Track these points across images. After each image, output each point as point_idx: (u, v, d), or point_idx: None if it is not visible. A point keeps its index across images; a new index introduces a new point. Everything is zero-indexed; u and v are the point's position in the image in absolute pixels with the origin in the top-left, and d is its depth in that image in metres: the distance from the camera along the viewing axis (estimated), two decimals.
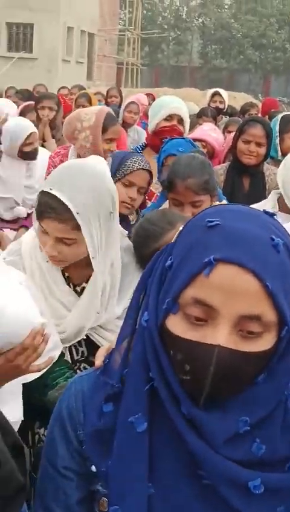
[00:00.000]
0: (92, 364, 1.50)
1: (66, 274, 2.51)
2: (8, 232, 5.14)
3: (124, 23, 46.36)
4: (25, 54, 31.42)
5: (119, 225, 2.65)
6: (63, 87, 13.07)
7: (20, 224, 5.21)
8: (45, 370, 2.20)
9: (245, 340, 1.14)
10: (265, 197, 4.15)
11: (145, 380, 1.23)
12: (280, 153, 5.43)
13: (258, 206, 3.45)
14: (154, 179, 3.75)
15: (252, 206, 1.52)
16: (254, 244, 1.14)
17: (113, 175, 3.29)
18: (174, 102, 4.72)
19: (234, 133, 5.27)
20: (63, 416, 1.38)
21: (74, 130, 4.35)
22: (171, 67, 60.95)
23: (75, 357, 2.55)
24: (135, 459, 1.23)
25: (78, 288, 2.51)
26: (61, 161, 4.53)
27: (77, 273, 2.51)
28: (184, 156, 3.29)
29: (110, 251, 2.42)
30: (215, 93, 9.45)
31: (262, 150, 4.83)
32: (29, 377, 2.18)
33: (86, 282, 2.48)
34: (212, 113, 8.27)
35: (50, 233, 2.34)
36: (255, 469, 1.18)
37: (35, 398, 2.35)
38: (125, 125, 8.88)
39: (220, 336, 1.13)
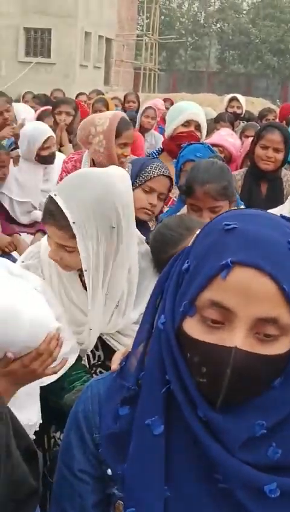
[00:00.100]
0: (108, 368, 1.51)
1: (84, 279, 2.51)
2: (25, 236, 5.16)
3: (142, 28, 46.51)
4: (43, 59, 31.54)
5: (137, 230, 2.66)
6: (81, 93, 13.10)
7: (37, 228, 5.22)
8: (61, 373, 2.20)
9: (262, 343, 1.14)
10: (283, 203, 4.14)
11: (162, 382, 1.23)
12: None
13: (275, 211, 3.44)
14: None
15: (269, 211, 1.52)
16: (270, 247, 1.14)
17: (133, 181, 3.30)
18: (192, 108, 4.71)
19: (250, 137, 5.26)
20: (79, 420, 1.38)
21: (88, 135, 4.35)
22: (189, 73, 61.00)
23: (92, 362, 2.55)
24: (151, 462, 1.23)
25: None
26: (74, 166, 4.55)
27: None
28: (203, 161, 3.29)
29: (110, 266, 2.38)
30: (233, 99, 9.44)
31: (280, 156, 4.83)
32: (46, 380, 2.19)
33: None
34: (230, 118, 8.25)
35: (52, 239, 2.37)
36: (271, 473, 1.18)
37: (52, 401, 2.36)
38: (143, 130, 8.90)
39: (237, 338, 1.13)
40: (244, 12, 65.38)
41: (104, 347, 2.53)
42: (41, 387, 2.21)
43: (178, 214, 3.36)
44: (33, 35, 32.37)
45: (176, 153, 4.35)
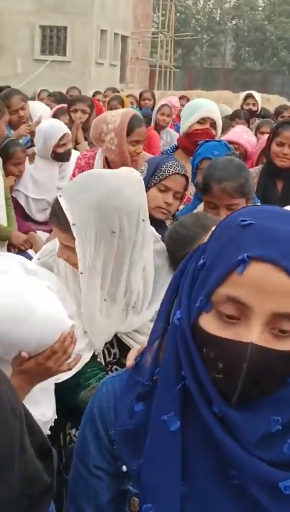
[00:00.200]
0: (124, 366, 1.51)
1: None
2: (41, 234, 5.18)
3: (157, 25, 46.48)
4: (58, 57, 31.59)
5: (153, 228, 2.65)
6: (97, 92, 13.10)
7: None
8: (76, 370, 2.21)
9: (277, 339, 1.14)
10: None
11: (177, 378, 1.24)
12: None
13: None
14: None
15: (285, 207, 1.52)
16: (286, 242, 1.14)
17: (149, 180, 3.29)
18: (208, 105, 4.70)
19: (265, 134, 5.24)
20: (94, 416, 1.39)
21: (100, 132, 4.36)
22: (205, 70, 60.89)
23: (107, 359, 2.55)
24: (167, 458, 1.24)
25: None
26: (87, 163, 4.55)
27: None
28: (221, 158, 3.28)
29: (109, 270, 2.36)
30: (249, 96, 9.41)
31: None
32: (62, 377, 2.20)
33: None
34: (245, 115, 8.23)
35: (57, 238, 2.37)
36: (286, 469, 1.18)
37: (67, 398, 2.36)
38: (158, 127, 8.90)
39: (253, 333, 1.13)
40: (260, 9, 65.19)
41: (119, 344, 2.53)
42: (56, 384, 2.21)
43: (194, 212, 3.36)
44: (49, 33, 32.44)
45: (191, 151, 4.34)
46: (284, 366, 1.15)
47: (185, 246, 2.47)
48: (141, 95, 11.39)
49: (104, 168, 4.43)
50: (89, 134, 6.28)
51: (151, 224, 2.70)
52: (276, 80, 55.39)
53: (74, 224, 2.28)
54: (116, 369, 2.51)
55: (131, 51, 38.76)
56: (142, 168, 3.40)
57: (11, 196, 5.23)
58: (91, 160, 4.53)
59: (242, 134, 5.93)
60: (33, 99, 9.65)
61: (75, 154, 5.37)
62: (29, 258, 2.74)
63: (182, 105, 9.09)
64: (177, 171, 3.38)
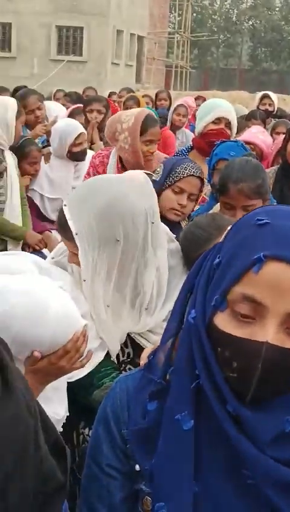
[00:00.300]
0: (137, 365, 1.51)
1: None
2: (56, 233, 5.18)
3: (174, 25, 46.49)
4: (75, 57, 31.67)
5: (167, 228, 2.65)
6: (112, 93, 13.12)
7: None
8: (89, 368, 2.21)
9: None
10: None
11: (191, 377, 1.23)
12: None
13: None
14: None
15: None
16: None
17: (163, 181, 3.28)
18: (223, 106, 4.69)
19: (281, 134, 5.22)
20: (107, 415, 1.39)
21: (114, 131, 4.37)
22: (221, 70, 60.83)
23: (121, 358, 2.55)
24: (180, 457, 1.23)
25: None
26: (101, 162, 4.56)
27: None
28: (238, 159, 3.27)
29: (112, 277, 2.36)
30: (265, 96, 9.39)
31: None
32: (75, 376, 2.20)
33: None
34: (261, 115, 8.21)
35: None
36: None
37: (81, 397, 2.36)
38: (174, 127, 8.91)
39: (268, 332, 1.13)
40: (277, 9, 65.00)
41: (133, 344, 2.53)
42: (70, 384, 2.22)
43: (210, 212, 3.35)
44: (65, 34, 32.52)
45: (206, 151, 4.33)
46: None
47: (200, 246, 2.46)
48: (157, 95, 11.40)
49: (118, 167, 4.45)
50: (104, 135, 6.30)
51: (166, 225, 2.71)
52: None
53: (76, 234, 2.29)
54: (129, 369, 2.50)
55: (147, 51, 38.77)
56: (158, 170, 3.39)
57: (27, 195, 5.25)
58: (105, 159, 4.54)
59: (258, 135, 5.91)
60: (49, 99, 9.69)
61: (90, 154, 5.37)
62: (44, 257, 2.74)
63: (198, 106, 9.10)
64: (192, 173, 3.35)
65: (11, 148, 4.97)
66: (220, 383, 1.19)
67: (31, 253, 3.95)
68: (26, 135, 5.71)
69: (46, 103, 6.90)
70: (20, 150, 5.18)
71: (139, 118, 4.30)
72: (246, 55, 64.67)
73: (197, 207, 3.76)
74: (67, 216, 2.33)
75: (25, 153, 5.25)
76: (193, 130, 7.66)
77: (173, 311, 1.33)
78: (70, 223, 2.31)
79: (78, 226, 2.31)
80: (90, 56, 31.98)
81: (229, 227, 1.27)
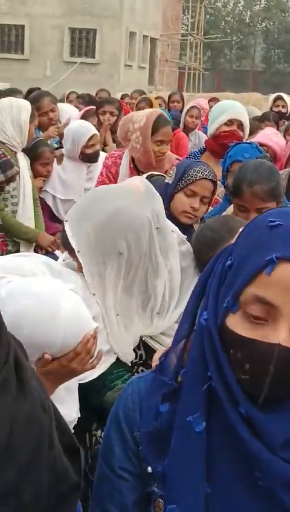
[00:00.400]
0: (150, 367, 1.51)
1: None
2: None
3: (187, 27, 46.46)
4: (87, 59, 31.72)
5: (177, 228, 2.65)
6: (125, 95, 13.13)
7: None
8: (101, 370, 2.22)
9: None
10: None
11: (203, 379, 1.23)
12: None
13: None
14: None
15: None
16: None
17: (176, 184, 3.28)
18: (235, 107, 4.68)
19: None
20: (119, 417, 1.39)
21: (127, 131, 4.39)
22: (234, 72, 60.77)
23: (134, 360, 2.55)
24: (192, 459, 1.23)
25: None
26: (114, 163, 4.58)
27: None
28: (252, 161, 3.25)
29: (118, 289, 2.37)
30: (278, 98, 9.36)
31: None
32: (88, 377, 2.20)
33: None
34: (275, 117, 8.19)
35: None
36: None
37: (93, 399, 2.36)
38: (187, 129, 8.90)
39: (281, 335, 1.13)
40: None
41: (145, 346, 2.53)
42: (82, 385, 2.22)
43: (223, 214, 3.34)
44: (78, 36, 32.56)
45: (218, 153, 4.33)
46: None
47: (212, 248, 2.45)
48: (169, 97, 11.39)
49: (130, 167, 4.46)
50: (117, 136, 6.32)
51: (178, 228, 2.70)
52: None
53: (78, 251, 2.30)
54: (142, 371, 2.50)
55: (160, 53, 38.79)
56: (171, 172, 3.38)
57: (39, 197, 5.26)
58: (118, 159, 4.55)
59: (271, 137, 5.90)
60: (62, 101, 9.70)
61: (103, 156, 5.38)
62: (56, 259, 2.75)
63: (211, 108, 9.09)
64: (204, 176, 3.31)
65: (24, 149, 4.99)
66: (232, 385, 1.19)
67: (43, 255, 3.96)
68: (39, 136, 5.72)
69: (59, 105, 6.91)
70: (32, 150, 5.18)
71: (151, 117, 4.31)
72: (259, 57, 64.60)
73: (210, 208, 3.75)
74: (68, 233, 2.34)
75: (38, 154, 5.26)
76: (205, 132, 7.66)
77: (184, 313, 1.33)
78: (71, 240, 2.32)
79: (79, 243, 2.32)
80: (103, 58, 32.01)
81: (241, 229, 1.27)
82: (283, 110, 9.14)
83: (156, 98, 9.93)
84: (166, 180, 3.37)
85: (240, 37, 65.00)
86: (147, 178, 3.70)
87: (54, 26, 31.89)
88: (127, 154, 4.48)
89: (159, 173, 3.82)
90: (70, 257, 2.44)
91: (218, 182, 3.54)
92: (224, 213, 3.44)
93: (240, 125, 4.54)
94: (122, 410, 1.39)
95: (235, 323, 1.18)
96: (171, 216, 3.13)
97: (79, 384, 2.21)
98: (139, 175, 4.34)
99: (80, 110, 7.60)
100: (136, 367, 2.55)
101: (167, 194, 3.26)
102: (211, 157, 4.45)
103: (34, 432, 1.15)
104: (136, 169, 4.49)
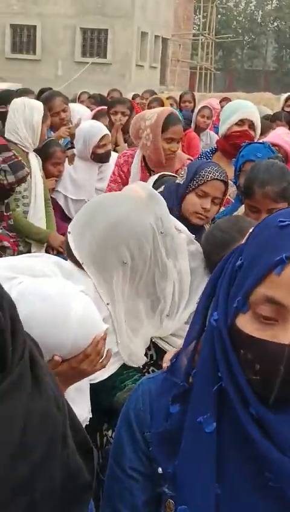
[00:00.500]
0: (160, 367, 1.51)
1: None
2: None
3: (198, 27, 46.42)
4: (99, 59, 31.75)
5: (186, 228, 2.65)
6: (136, 95, 13.14)
7: None
8: (112, 371, 2.22)
9: None
10: None
11: (214, 379, 1.23)
12: None
13: None
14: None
15: None
16: None
17: (187, 185, 3.27)
18: (246, 107, 4.67)
19: None
20: (130, 418, 1.39)
21: (138, 129, 4.41)
22: (245, 72, 60.70)
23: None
24: (203, 460, 1.23)
25: None
26: (126, 161, 4.60)
27: None
28: (263, 162, 3.23)
29: (124, 297, 2.38)
30: None
31: None
32: (99, 377, 2.20)
33: None
34: (286, 117, 8.17)
35: None
36: None
37: (103, 399, 2.37)
38: (198, 129, 8.89)
39: None
40: None
41: (156, 347, 2.53)
42: (92, 385, 2.22)
43: (234, 214, 3.33)
44: (89, 36, 32.59)
45: (230, 153, 4.32)
46: None
47: (222, 249, 2.44)
48: (181, 97, 11.39)
49: (141, 166, 4.48)
50: (128, 137, 6.33)
51: (189, 228, 2.70)
52: None
53: (83, 263, 2.30)
54: (153, 371, 2.51)
55: (171, 53, 38.78)
56: (182, 173, 3.38)
57: (51, 197, 5.27)
58: (130, 158, 4.58)
59: (283, 136, 5.88)
60: (73, 101, 9.71)
61: (114, 156, 5.39)
62: (67, 259, 2.76)
63: (223, 107, 9.08)
64: (216, 177, 3.28)
65: (35, 149, 5.00)
66: (242, 385, 1.19)
67: (54, 255, 3.97)
68: (51, 136, 5.73)
69: (71, 105, 6.92)
70: (44, 150, 5.19)
71: (162, 115, 4.33)
72: (271, 57, 64.47)
73: (222, 208, 3.74)
74: (72, 246, 2.34)
75: (49, 154, 5.27)
76: (217, 132, 7.66)
77: (195, 313, 1.33)
78: (75, 252, 2.32)
79: (82, 255, 2.32)
80: (115, 58, 32.04)
81: (251, 229, 1.27)
82: None
83: (167, 98, 9.92)
84: (177, 181, 3.36)
85: (251, 36, 64.93)
86: (158, 178, 3.71)
87: (66, 26, 31.95)
88: (139, 153, 4.50)
89: (170, 173, 3.82)
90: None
91: (230, 181, 3.54)
92: (235, 213, 3.43)
93: (252, 125, 4.53)
94: (133, 410, 1.39)
95: (245, 324, 1.18)
96: (182, 216, 3.13)
97: (90, 384, 2.21)
98: (150, 174, 4.36)
99: (91, 110, 7.61)
100: (146, 367, 2.55)
101: (178, 195, 3.26)
102: (222, 157, 4.44)
103: (47, 429, 1.16)
104: (147, 168, 4.50)
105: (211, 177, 3.26)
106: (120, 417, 1.44)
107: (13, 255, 4.33)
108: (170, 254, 2.43)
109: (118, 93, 11.17)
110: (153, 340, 2.51)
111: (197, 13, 47.66)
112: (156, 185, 3.58)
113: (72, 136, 5.80)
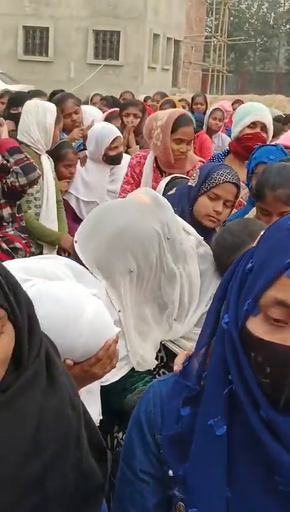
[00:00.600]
0: (171, 369, 1.50)
1: None
2: None
3: (211, 29, 46.36)
4: (111, 61, 31.77)
5: (195, 231, 2.65)
6: (148, 97, 13.14)
7: None
8: (122, 373, 2.21)
9: None
10: None
11: (224, 383, 1.23)
12: None
13: None
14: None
15: None
16: None
17: (199, 188, 3.27)
18: (259, 109, 4.66)
19: None
20: (141, 420, 1.39)
21: (151, 129, 4.44)
22: (257, 74, 60.58)
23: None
24: (213, 463, 1.23)
25: None
26: (138, 162, 4.62)
27: None
28: (275, 165, 3.21)
29: (132, 303, 2.38)
30: None
31: None
32: (111, 379, 2.20)
33: None
34: None
35: None
36: None
37: (114, 401, 2.37)
38: (210, 131, 8.89)
39: None
40: None
41: (166, 349, 2.53)
42: (103, 387, 2.22)
43: (245, 217, 3.32)
44: (102, 38, 32.62)
45: (242, 155, 4.32)
46: None
47: (232, 252, 2.41)
48: (193, 99, 11.38)
49: (153, 166, 4.48)
50: (140, 138, 6.34)
51: (200, 231, 2.69)
52: None
53: (91, 273, 2.30)
54: (163, 373, 2.50)
55: (183, 55, 38.76)
56: (194, 175, 3.37)
57: (63, 198, 5.27)
58: (143, 160, 4.60)
59: None
60: (86, 103, 9.72)
61: (126, 159, 5.39)
62: None
63: (235, 110, 9.07)
64: (228, 180, 3.25)
65: (47, 151, 5.01)
66: (253, 388, 1.18)
67: (66, 257, 3.97)
68: (63, 138, 5.74)
69: (83, 107, 6.93)
70: (56, 152, 5.20)
71: (173, 116, 4.35)
72: (283, 59, 64.28)
73: (234, 211, 3.73)
74: (79, 255, 2.34)
75: (61, 155, 5.28)
76: (229, 134, 7.65)
77: (207, 317, 1.33)
78: (83, 261, 2.32)
79: (90, 264, 2.32)
80: (127, 60, 32.06)
81: (262, 232, 1.27)
82: None
83: (179, 100, 9.92)
84: (189, 183, 3.36)
85: (264, 39, 64.82)
86: (170, 180, 3.71)
87: (78, 28, 32.00)
88: (152, 154, 4.52)
89: (182, 175, 3.82)
90: None
91: (242, 184, 3.53)
92: (247, 215, 3.42)
93: (264, 127, 4.52)
94: (144, 413, 1.39)
95: (256, 327, 1.18)
96: (193, 219, 3.13)
97: (100, 386, 2.21)
98: (162, 175, 4.37)
99: (103, 112, 7.62)
100: (157, 369, 2.55)
101: (190, 197, 3.25)
102: (234, 160, 4.44)
103: (61, 428, 1.16)
104: (159, 169, 4.51)
105: (223, 179, 3.24)
106: (131, 419, 1.43)
107: (25, 256, 4.34)
108: (179, 258, 2.43)
109: (130, 95, 11.18)
110: (163, 342, 2.51)
111: (210, 15, 47.60)
112: (168, 187, 3.59)
113: (85, 138, 5.81)
